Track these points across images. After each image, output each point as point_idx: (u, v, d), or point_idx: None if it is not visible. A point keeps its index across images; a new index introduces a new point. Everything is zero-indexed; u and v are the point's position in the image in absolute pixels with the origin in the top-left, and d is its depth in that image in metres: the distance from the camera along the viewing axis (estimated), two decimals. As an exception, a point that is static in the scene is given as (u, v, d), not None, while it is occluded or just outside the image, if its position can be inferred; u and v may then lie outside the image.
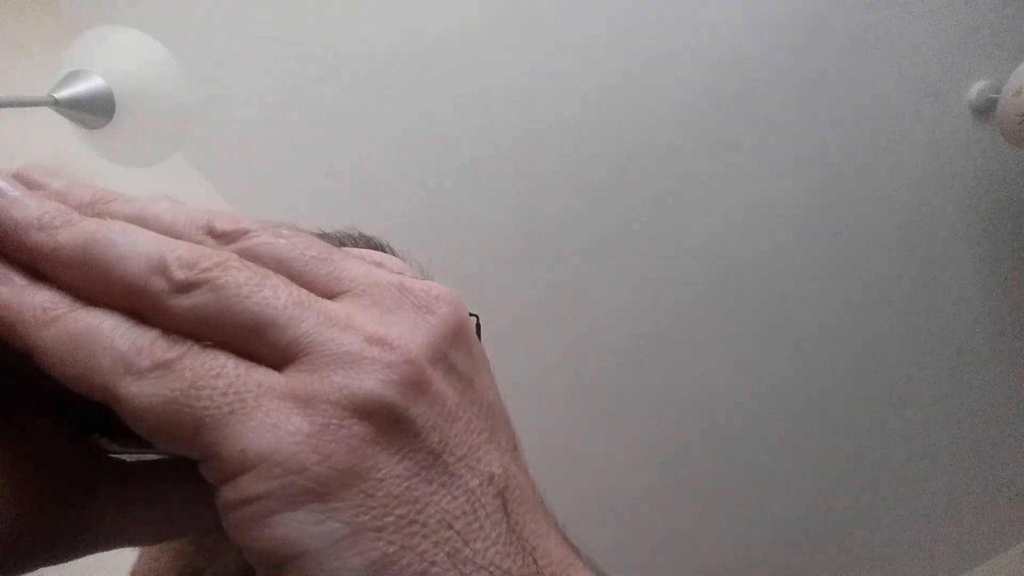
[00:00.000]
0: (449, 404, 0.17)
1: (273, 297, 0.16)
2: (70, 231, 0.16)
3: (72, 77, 0.79)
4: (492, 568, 0.15)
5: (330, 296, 0.17)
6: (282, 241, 0.18)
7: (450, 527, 0.15)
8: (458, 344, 0.18)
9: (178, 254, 0.16)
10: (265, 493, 0.14)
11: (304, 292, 0.17)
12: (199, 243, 0.17)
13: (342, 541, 0.14)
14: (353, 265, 0.18)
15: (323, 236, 0.41)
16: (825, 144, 1.23)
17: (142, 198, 0.18)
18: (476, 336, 0.19)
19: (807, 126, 1.22)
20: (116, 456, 0.19)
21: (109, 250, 0.16)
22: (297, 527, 0.14)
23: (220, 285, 0.16)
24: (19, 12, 0.91)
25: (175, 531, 0.20)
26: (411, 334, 0.17)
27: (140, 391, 0.15)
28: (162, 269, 0.16)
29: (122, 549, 0.19)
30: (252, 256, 0.17)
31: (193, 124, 0.91)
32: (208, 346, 0.15)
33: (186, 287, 0.16)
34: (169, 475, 0.19)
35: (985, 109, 1.20)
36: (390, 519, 0.15)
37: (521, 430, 0.20)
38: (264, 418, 0.14)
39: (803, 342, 1.36)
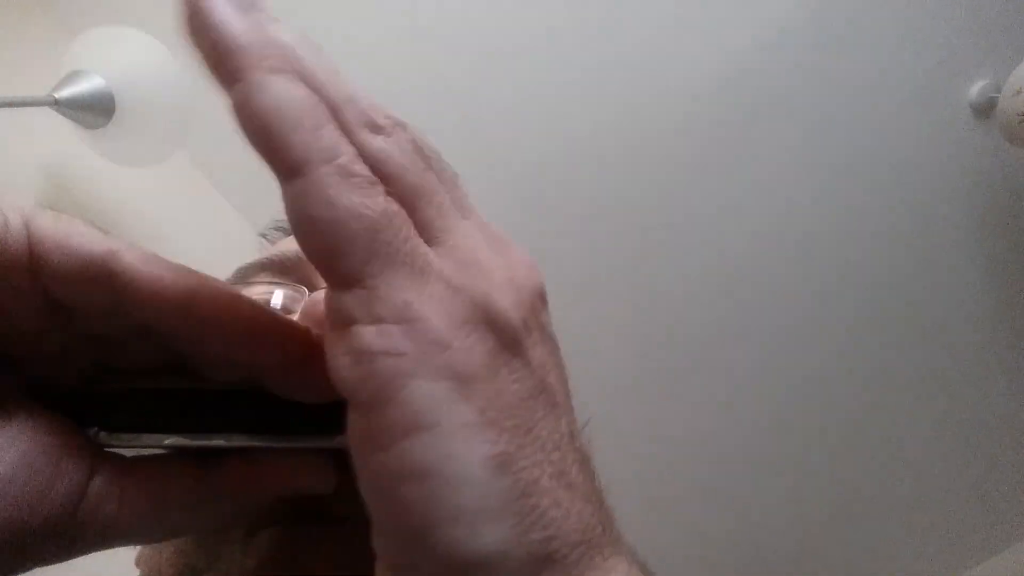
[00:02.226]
0: (544, 355, 0.17)
1: (436, 183, 0.17)
2: (286, 29, 0.16)
3: (72, 77, 0.79)
4: (588, 501, 0.16)
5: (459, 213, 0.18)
6: (430, 148, 0.18)
7: (557, 449, 0.16)
8: (546, 308, 0.19)
9: (368, 99, 0.16)
10: (412, 352, 0.14)
11: (448, 197, 0.17)
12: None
13: (473, 427, 0.14)
14: (470, 203, 0.19)
15: None
16: (825, 144, 1.23)
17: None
18: None
19: (807, 126, 1.22)
20: (114, 450, 0.19)
21: (314, 59, 0.16)
22: (434, 399, 0.14)
23: (403, 146, 0.16)
24: (19, 12, 0.91)
25: (173, 530, 0.20)
26: (522, 280, 0.17)
27: (339, 186, 0.14)
28: (356, 104, 0.16)
29: (120, 548, 0.19)
30: (412, 142, 0.17)
31: (193, 124, 0.91)
32: (390, 191, 0.16)
33: (376, 127, 0.16)
34: (168, 471, 0.19)
35: (985, 109, 1.20)
36: (512, 423, 0.15)
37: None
38: (427, 285, 0.15)
39: (800, 341, 1.36)
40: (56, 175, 0.87)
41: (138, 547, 0.29)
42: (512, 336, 0.16)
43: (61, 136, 0.83)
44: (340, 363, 0.15)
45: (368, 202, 0.15)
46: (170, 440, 0.19)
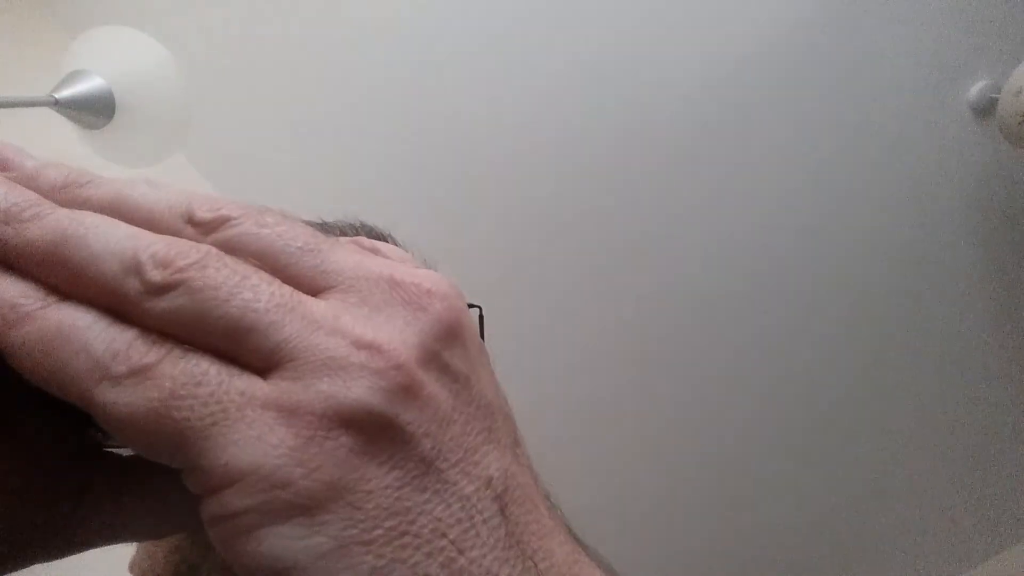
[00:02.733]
0: (443, 407, 0.16)
1: (253, 299, 0.15)
2: (39, 225, 0.15)
3: (72, 77, 0.79)
4: (493, 563, 0.15)
5: (316, 291, 0.16)
6: (265, 231, 0.17)
7: (444, 536, 0.15)
8: (452, 342, 0.17)
9: (152, 251, 0.15)
10: (249, 508, 0.14)
11: (288, 291, 0.16)
12: (177, 233, 0.16)
13: (330, 555, 0.14)
14: (342, 256, 0.17)
15: (324, 225, 0.41)
16: (825, 144, 1.23)
17: (118, 181, 0.17)
18: (475, 329, 0.19)
19: (807, 126, 1.22)
20: (111, 450, 0.19)
21: (81, 249, 0.15)
22: (283, 542, 0.14)
23: (197, 287, 0.15)
24: (19, 12, 0.91)
25: (172, 527, 0.20)
26: (401, 335, 0.16)
27: (117, 399, 0.14)
28: (136, 269, 0.15)
29: (118, 545, 0.19)
30: (233, 248, 0.16)
31: (193, 124, 0.91)
32: (188, 349, 0.15)
33: (161, 289, 0.15)
34: (166, 470, 0.19)
35: (985, 109, 1.20)
36: (379, 532, 0.14)
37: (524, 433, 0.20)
38: (247, 430, 0.14)
39: (801, 342, 1.36)
40: (56, 175, 0.87)
41: (132, 554, 0.29)
42: (377, 422, 0.15)
43: (61, 136, 0.83)
44: (212, 537, 0.15)
45: (150, 395, 0.14)
46: None
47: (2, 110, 0.76)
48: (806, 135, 1.22)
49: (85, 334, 0.14)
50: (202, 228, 0.16)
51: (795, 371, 1.38)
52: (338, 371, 0.15)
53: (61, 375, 0.14)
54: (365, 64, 1.14)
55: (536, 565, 0.16)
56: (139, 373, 0.14)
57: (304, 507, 0.14)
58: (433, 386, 0.16)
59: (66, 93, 0.77)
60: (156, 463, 0.19)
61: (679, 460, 1.44)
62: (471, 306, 0.19)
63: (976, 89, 1.20)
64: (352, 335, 0.15)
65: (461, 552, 0.15)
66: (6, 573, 0.17)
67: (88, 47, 0.82)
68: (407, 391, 0.15)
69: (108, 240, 0.15)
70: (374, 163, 1.22)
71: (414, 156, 1.21)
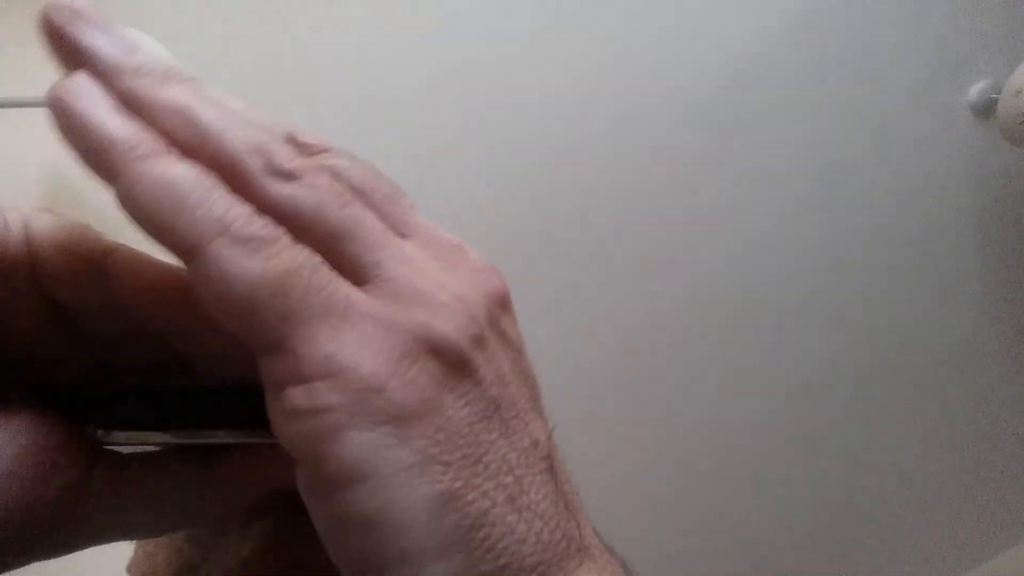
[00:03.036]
0: (503, 367, 0.17)
1: (361, 215, 0.16)
2: (173, 87, 0.16)
3: (72, 77, 0.79)
4: (547, 519, 0.16)
5: (398, 236, 0.17)
6: (360, 169, 0.17)
7: (510, 472, 0.15)
8: (508, 313, 0.18)
9: (277, 143, 0.16)
10: (340, 405, 0.14)
11: (382, 223, 0.17)
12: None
13: (412, 469, 0.14)
14: (416, 214, 0.18)
15: None
16: (824, 144, 1.23)
17: (219, 92, 0.17)
18: None
19: (805, 127, 1.22)
20: (111, 447, 0.19)
21: (212, 116, 0.15)
22: (370, 448, 0.14)
23: (317, 185, 0.16)
24: (19, 12, 0.91)
25: (172, 525, 0.20)
26: (473, 292, 0.17)
27: (234, 257, 0.14)
28: (262, 151, 0.15)
29: (117, 543, 0.19)
30: (332, 174, 0.17)
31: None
32: (299, 239, 0.15)
33: (285, 175, 0.15)
34: (166, 467, 0.19)
35: (985, 109, 1.20)
36: (458, 455, 0.15)
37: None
38: (351, 330, 0.14)
39: (798, 342, 1.36)
40: (56, 175, 0.87)
41: (130, 554, 0.29)
42: (458, 359, 0.15)
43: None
44: (278, 425, 0.15)
45: (270, 263, 0.14)
46: (166, 437, 0.19)
47: (2, 110, 0.76)
48: (804, 136, 1.22)
49: (208, 191, 0.14)
50: (304, 149, 0.17)
51: (792, 371, 1.38)
52: (429, 304, 0.16)
53: (176, 221, 0.14)
54: (366, 64, 1.15)
55: (579, 525, 0.17)
56: (263, 242, 0.14)
57: (394, 417, 0.14)
58: (496, 346, 0.17)
59: (66, 93, 0.77)
60: (156, 460, 0.19)
61: (678, 459, 1.44)
62: None
63: (976, 89, 1.20)
64: (436, 279, 0.16)
65: (523, 491, 0.15)
66: (5, 571, 0.17)
67: (88, 47, 0.82)
68: (479, 341, 0.16)
69: (237, 120, 0.16)
70: (375, 163, 1.22)
71: (415, 157, 1.21)
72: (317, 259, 0.15)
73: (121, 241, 0.18)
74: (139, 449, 0.19)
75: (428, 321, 0.15)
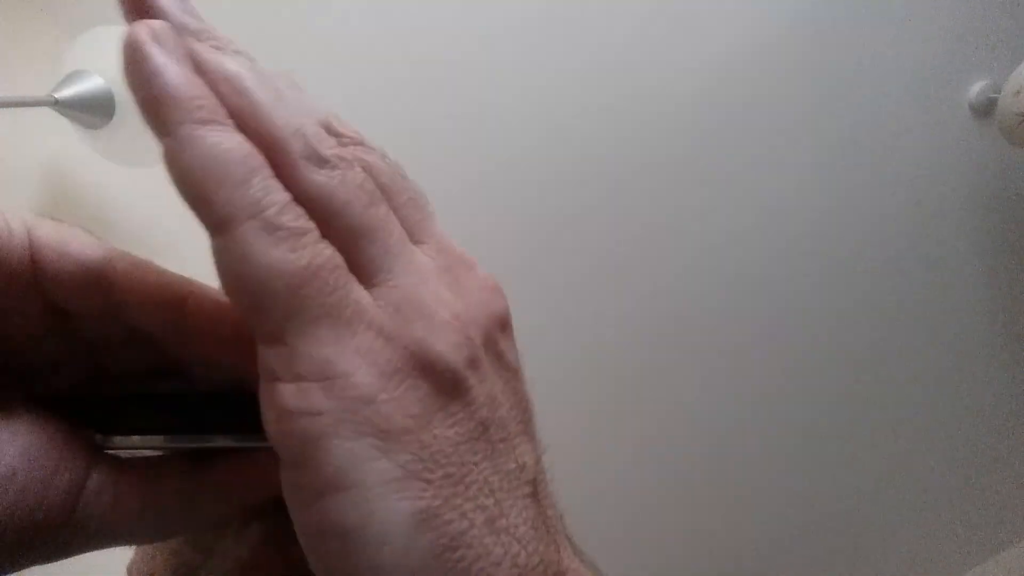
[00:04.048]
0: (495, 389, 0.17)
1: (385, 218, 0.16)
2: (228, 56, 0.16)
3: (72, 77, 0.79)
4: (524, 543, 0.16)
5: (413, 242, 0.17)
6: (389, 167, 0.17)
7: (491, 495, 0.15)
8: (507, 336, 0.18)
9: (317, 129, 0.16)
10: (329, 410, 0.14)
11: (401, 228, 0.17)
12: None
13: (393, 483, 0.14)
14: (435, 223, 0.18)
15: None
16: (825, 144, 1.23)
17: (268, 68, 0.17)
18: None
19: (806, 126, 1.22)
20: (110, 452, 0.19)
21: (261, 91, 0.15)
22: (353, 458, 0.14)
23: (348, 179, 0.16)
24: (19, 12, 0.91)
25: (170, 529, 0.20)
26: (474, 312, 0.17)
27: (261, 243, 0.14)
28: (302, 134, 0.15)
29: (116, 548, 0.19)
30: (365, 168, 0.17)
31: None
32: (324, 236, 0.15)
33: (321, 160, 0.15)
34: (164, 471, 0.19)
35: (985, 109, 1.20)
36: (440, 474, 0.15)
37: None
38: (352, 338, 0.14)
39: (799, 341, 1.36)
40: (56, 175, 0.87)
41: (130, 557, 0.29)
42: (451, 379, 0.15)
43: (61, 136, 0.83)
44: (266, 418, 0.15)
45: (292, 256, 0.14)
46: (164, 442, 0.19)
47: (2, 110, 0.76)
48: (805, 135, 1.22)
49: (255, 172, 0.14)
50: (338, 139, 0.17)
51: (793, 371, 1.38)
52: (429, 320, 0.16)
53: (214, 192, 0.14)
54: (365, 63, 1.14)
55: (559, 550, 0.17)
56: (292, 233, 0.14)
57: (380, 430, 0.14)
58: (490, 368, 0.17)
59: (66, 93, 0.77)
60: (155, 465, 0.19)
61: (678, 461, 1.44)
62: None
63: (976, 89, 1.20)
64: (440, 295, 0.16)
65: (502, 514, 0.15)
66: (4, 574, 0.17)
67: (88, 47, 0.82)
68: (474, 362, 0.16)
69: (284, 98, 0.16)
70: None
71: (415, 157, 1.20)
72: (339, 260, 0.15)
73: (120, 246, 0.18)
74: (138, 454, 0.19)
75: (426, 338, 0.15)
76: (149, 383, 0.20)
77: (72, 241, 0.17)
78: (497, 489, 0.16)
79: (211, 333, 0.18)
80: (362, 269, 0.16)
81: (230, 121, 0.15)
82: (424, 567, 0.14)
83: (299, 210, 0.15)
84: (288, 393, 0.14)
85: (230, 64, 0.16)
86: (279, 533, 0.23)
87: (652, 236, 1.29)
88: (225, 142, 0.14)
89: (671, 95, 1.19)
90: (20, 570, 0.17)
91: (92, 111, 0.79)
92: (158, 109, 0.14)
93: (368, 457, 0.14)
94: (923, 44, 1.17)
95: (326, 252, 0.15)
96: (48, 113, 0.77)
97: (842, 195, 1.26)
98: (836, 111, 1.21)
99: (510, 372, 0.18)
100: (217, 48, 0.16)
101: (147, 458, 0.20)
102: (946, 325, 1.36)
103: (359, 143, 0.17)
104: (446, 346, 0.15)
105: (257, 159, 0.15)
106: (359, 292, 0.15)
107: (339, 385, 0.14)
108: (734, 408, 1.41)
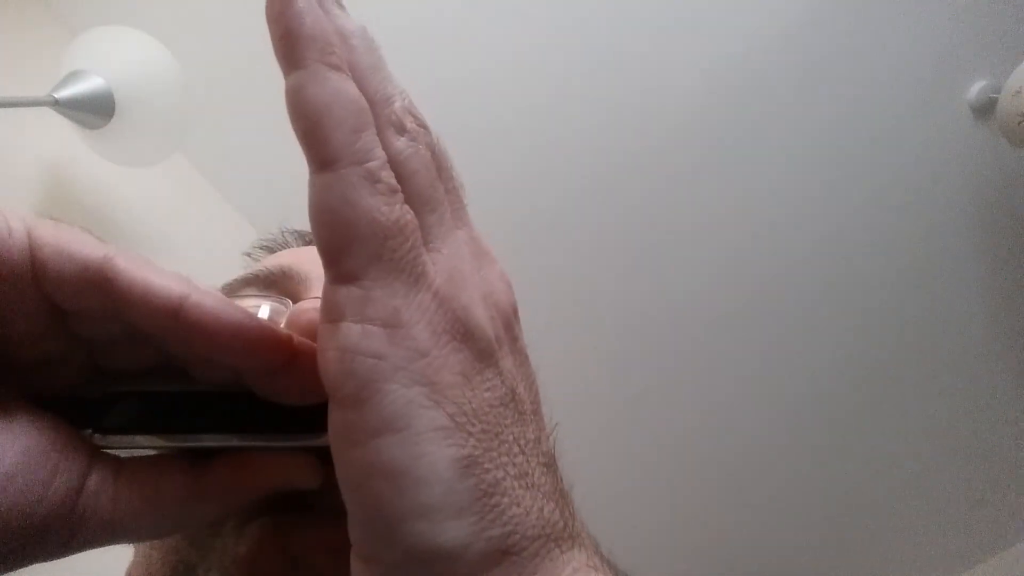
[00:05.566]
0: (515, 368, 0.18)
1: (442, 196, 0.18)
2: (345, 16, 0.18)
3: (72, 77, 0.79)
4: (550, 496, 0.17)
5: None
6: (445, 155, 0.19)
7: (522, 452, 0.17)
8: (518, 324, 0.20)
9: (403, 102, 0.18)
10: (391, 356, 0.15)
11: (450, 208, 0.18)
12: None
13: (441, 431, 0.15)
14: (468, 214, 0.20)
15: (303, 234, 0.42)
16: (824, 145, 1.23)
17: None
18: None
19: (806, 127, 1.22)
20: (109, 451, 0.19)
21: (368, 54, 0.17)
22: (408, 403, 0.15)
23: (421, 151, 0.17)
24: (19, 12, 0.91)
25: (169, 528, 0.20)
26: (497, 297, 0.19)
27: (361, 188, 0.15)
28: (391, 102, 0.17)
29: (115, 546, 0.19)
30: (430, 148, 0.19)
31: (193, 124, 0.91)
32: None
33: (401, 128, 0.17)
34: (162, 470, 0.19)
35: (985, 109, 1.20)
36: (480, 427, 0.16)
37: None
38: (417, 295, 0.16)
39: (799, 342, 1.36)
40: (56, 175, 0.88)
41: (129, 556, 0.29)
42: (486, 348, 0.17)
43: (61, 136, 0.83)
44: (326, 356, 0.15)
45: (385, 209, 0.15)
46: (162, 441, 0.19)
47: (2, 110, 0.76)
48: (805, 136, 1.22)
49: (368, 126, 0.16)
50: (414, 118, 0.19)
51: (794, 371, 1.38)
52: (471, 292, 0.17)
53: (332, 132, 0.16)
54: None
55: (572, 516, 0.18)
56: (388, 188, 0.16)
57: (431, 381, 0.15)
58: (515, 347, 0.19)
59: (66, 93, 0.77)
60: (153, 464, 0.19)
61: (678, 461, 1.44)
62: None
63: (976, 89, 1.20)
64: (474, 276, 0.18)
65: (530, 472, 0.17)
66: (4, 572, 0.17)
67: (88, 47, 0.82)
68: (499, 340, 0.18)
69: (382, 67, 0.18)
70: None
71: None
72: (417, 224, 0.16)
73: (120, 246, 0.18)
74: (137, 453, 0.20)
75: (469, 307, 0.17)
76: (147, 382, 0.20)
77: (72, 241, 0.17)
78: (526, 449, 0.17)
79: (209, 334, 0.18)
80: (422, 234, 0.17)
81: (350, 74, 0.17)
82: (465, 508, 0.15)
83: (391, 171, 0.16)
84: (354, 333, 0.15)
85: (351, 24, 0.18)
86: (277, 532, 0.23)
87: (652, 236, 1.29)
88: (349, 90, 0.16)
89: (671, 95, 1.19)
90: (21, 567, 0.17)
91: (92, 111, 0.79)
92: (296, 44, 0.16)
93: (421, 404, 0.15)
94: (923, 44, 1.17)
95: (410, 215, 0.16)
96: (48, 113, 0.77)
97: (842, 195, 1.26)
98: (836, 111, 1.21)
99: (523, 356, 0.19)
100: (341, 7, 0.18)
101: (147, 458, 0.20)
102: (946, 325, 1.36)
103: (425, 126, 0.19)
104: (484, 318, 0.17)
105: (368, 115, 0.16)
106: (426, 256, 0.16)
107: (401, 335, 0.15)
108: (730, 410, 1.41)
